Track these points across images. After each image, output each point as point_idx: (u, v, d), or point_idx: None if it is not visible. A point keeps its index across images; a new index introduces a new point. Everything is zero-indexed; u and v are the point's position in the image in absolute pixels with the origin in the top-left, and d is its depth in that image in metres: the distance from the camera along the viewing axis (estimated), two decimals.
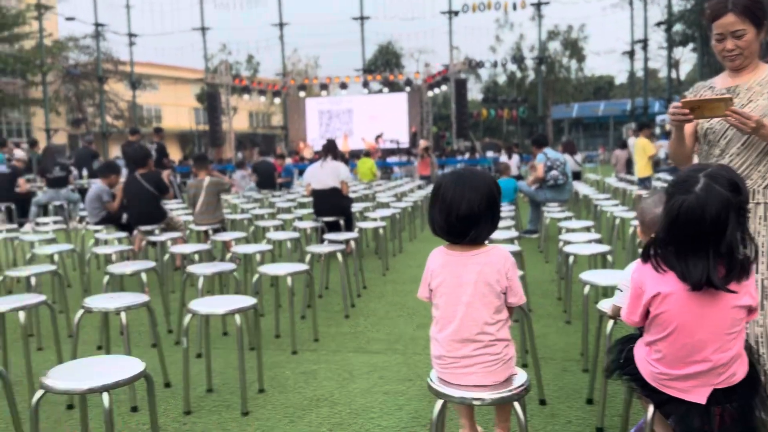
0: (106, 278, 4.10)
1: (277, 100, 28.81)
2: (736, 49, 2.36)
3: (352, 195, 8.28)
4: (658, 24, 29.23)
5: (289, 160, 16.46)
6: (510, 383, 1.99)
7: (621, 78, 45.90)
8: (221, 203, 6.72)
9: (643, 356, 1.89)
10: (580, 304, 4.27)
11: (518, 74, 37.84)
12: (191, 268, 3.99)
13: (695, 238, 1.70)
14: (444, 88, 25.87)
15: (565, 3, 41.38)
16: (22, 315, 3.12)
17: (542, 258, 6.67)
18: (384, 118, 25.28)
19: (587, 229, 5.49)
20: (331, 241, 5.36)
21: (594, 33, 71.65)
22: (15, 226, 7.59)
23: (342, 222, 6.89)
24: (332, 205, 6.92)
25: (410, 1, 45.92)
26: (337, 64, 72.43)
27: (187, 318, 3.06)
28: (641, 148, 9.42)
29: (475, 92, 39.84)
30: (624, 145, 13.56)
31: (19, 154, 11.20)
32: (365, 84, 27.02)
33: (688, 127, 2.53)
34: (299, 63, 39.05)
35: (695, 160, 2.74)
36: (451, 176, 2.02)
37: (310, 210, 7.36)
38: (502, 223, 5.13)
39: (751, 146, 2.38)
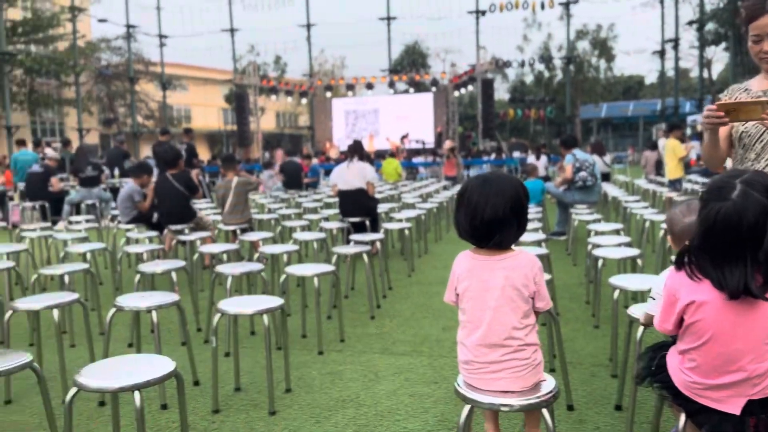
0: (137, 277, 4.17)
1: (304, 101, 28.99)
2: None
3: (377, 195, 8.29)
4: (690, 23, 28.69)
5: (315, 161, 16.53)
6: (539, 389, 1.97)
7: (651, 78, 45.23)
8: (249, 203, 6.79)
9: (676, 365, 1.86)
10: (609, 308, 4.23)
11: (546, 74, 37.50)
12: (220, 268, 4.04)
13: (732, 245, 1.67)
14: (470, 88, 25.74)
15: (594, 2, 40.74)
16: (56, 313, 3.19)
17: (570, 261, 6.60)
18: (410, 119, 25.26)
19: (617, 231, 5.41)
20: (357, 242, 5.38)
21: (623, 32, 70.65)
22: (49, 224, 7.76)
23: (368, 223, 6.91)
24: (358, 206, 6.94)
25: (437, 1, 45.83)
26: (363, 64, 72.63)
27: (217, 317, 3.10)
28: (671, 150, 9.25)
29: (501, 92, 39.62)
30: (654, 146, 13.33)
31: (51, 153, 11.44)
32: (391, 84, 27.05)
33: (723, 131, 2.48)
34: (326, 63, 39.28)
35: (729, 164, 2.69)
36: (477, 180, 2.02)
37: (336, 210, 7.39)
38: (528, 225, 5.10)
39: None
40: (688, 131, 21.72)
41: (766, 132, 2.34)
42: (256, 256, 5.61)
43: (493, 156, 20.53)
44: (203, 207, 8.35)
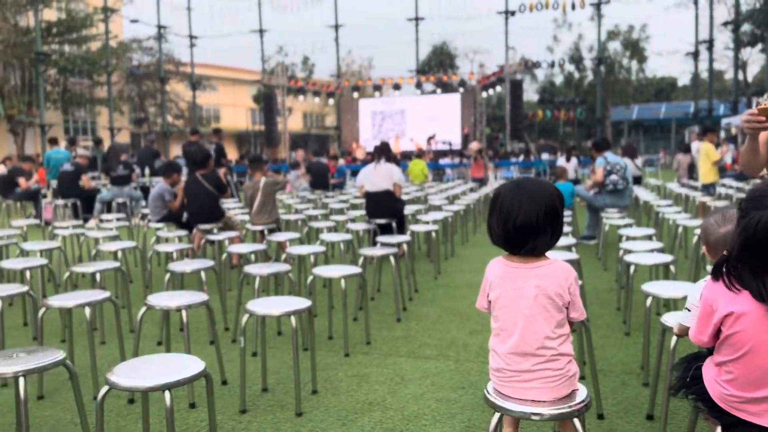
0: (167, 276, 4.22)
1: (331, 101, 29.15)
2: None
3: (403, 197, 8.27)
4: (725, 24, 28.13)
5: (342, 161, 16.58)
6: (571, 398, 1.94)
7: (684, 80, 44.45)
8: (276, 203, 6.83)
9: (712, 376, 1.81)
10: (640, 315, 4.15)
11: (576, 75, 37.09)
12: (248, 269, 4.07)
13: None
14: (498, 89, 25.58)
15: (626, 2, 40.23)
16: (88, 311, 3.24)
17: (600, 266, 6.50)
18: (437, 120, 25.20)
19: (649, 237, 5.32)
20: (384, 244, 5.37)
21: (656, 33, 69.58)
22: (80, 222, 7.90)
23: (394, 224, 6.90)
24: (385, 208, 6.93)
25: (465, 2, 45.63)
26: (390, 65, 72.68)
27: (245, 318, 3.12)
28: (705, 153, 9.06)
29: (530, 93, 39.31)
30: (687, 149, 13.07)
31: (81, 151, 11.65)
32: (418, 85, 27.02)
33: (763, 136, 2.42)
34: (353, 64, 39.44)
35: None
36: (511, 185, 2.00)
37: (363, 211, 7.39)
38: None
39: None
40: (722, 134, 21.26)
41: None
42: (283, 256, 5.64)
43: (521, 157, 20.36)
44: (231, 207, 8.43)
